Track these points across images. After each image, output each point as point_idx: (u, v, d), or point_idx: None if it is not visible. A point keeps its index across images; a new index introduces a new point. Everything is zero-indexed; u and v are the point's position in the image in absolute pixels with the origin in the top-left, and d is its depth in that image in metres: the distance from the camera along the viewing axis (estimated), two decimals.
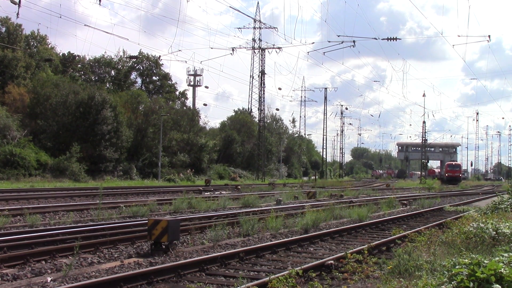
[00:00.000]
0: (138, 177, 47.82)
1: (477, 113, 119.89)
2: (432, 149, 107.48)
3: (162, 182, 45.78)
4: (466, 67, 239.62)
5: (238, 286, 7.48)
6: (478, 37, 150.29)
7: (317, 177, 59.89)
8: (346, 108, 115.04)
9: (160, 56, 74.91)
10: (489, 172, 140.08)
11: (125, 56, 68.46)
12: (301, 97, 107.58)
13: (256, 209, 19.86)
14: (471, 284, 5.14)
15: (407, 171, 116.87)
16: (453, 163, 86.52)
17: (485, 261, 5.53)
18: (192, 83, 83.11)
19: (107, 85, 65.33)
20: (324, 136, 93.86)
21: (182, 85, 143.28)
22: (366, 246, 10.53)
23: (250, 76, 70.48)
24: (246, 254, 10.33)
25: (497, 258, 5.98)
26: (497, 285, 5.08)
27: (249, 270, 9.36)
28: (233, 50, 57.01)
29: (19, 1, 25.05)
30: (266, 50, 64.27)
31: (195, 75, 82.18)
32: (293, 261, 10.30)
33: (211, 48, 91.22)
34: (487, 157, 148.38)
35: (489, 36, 36.96)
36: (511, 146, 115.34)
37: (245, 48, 64.27)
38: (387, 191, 42.82)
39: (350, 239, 13.81)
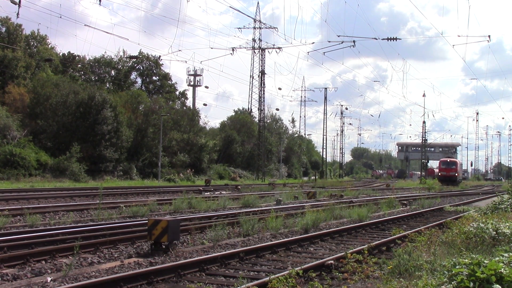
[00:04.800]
0: (138, 177, 47.81)
1: (477, 113, 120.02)
2: (432, 149, 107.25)
3: (162, 182, 45.78)
4: (466, 67, 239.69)
5: (238, 286, 7.48)
6: (478, 37, 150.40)
7: (317, 177, 59.89)
8: (346, 108, 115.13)
9: (160, 56, 74.97)
10: (489, 172, 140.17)
11: (125, 56, 68.49)
12: (301, 97, 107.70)
13: (256, 209, 19.86)
14: (471, 284, 5.14)
15: (407, 171, 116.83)
16: (448, 160, 72.80)
17: (485, 261, 5.53)
18: (192, 83, 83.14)
19: (107, 85, 65.29)
20: (324, 136, 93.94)
21: (182, 85, 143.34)
22: (366, 246, 10.54)
23: (250, 76, 70.44)
24: (246, 254, 10.33)
25: (497, 258, 5.98)
26: (497, 285, 5.08)
27: (249, 270, 9.36)
28: (233, 50, 57.09)
29: (19, 1, 25.05)
30: (266, 50, 64.28)
31: (195, 75, 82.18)
32: (293, 261, 10.30)
33: (211, 48, 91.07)
34: (487, 157, 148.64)
35: (489, 36, 36.96)
36: (511, 146, 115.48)
37: (245, 48, 64.28)
38: (387, 191, 42.81)
39: (350, 239, 13.81)
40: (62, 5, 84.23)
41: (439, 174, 69.24)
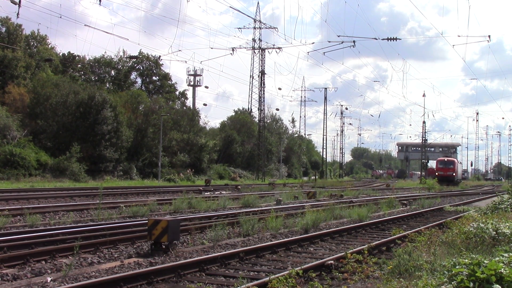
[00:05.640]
0: (138, 177, 47.82)
1: (477, 113, 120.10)
2: (432, 149, 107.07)
3: (162, 182, 45.78)
4: (466, 67, 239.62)
5: (238, 286, 7.48)
6: (478, 37, 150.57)
7: (317, 177, 59.87)
8: (346, 108, 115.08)
9: (160, 56, 74.99)
10: (489, 172, 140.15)
11: (125, 56, 68.46)
12: (301, 97, 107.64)
13: (256, 209, 19.85)
14: (471, 284, 5.14)
15: (407, 171, 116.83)
16: (445, 159, 69.40)
17: (485, 261, 5.53)
18: (192, 83, 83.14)
19: (107, 85, 65.29)
20: (324, 136, 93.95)
21: (182, 85, 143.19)
22: (366, 246, 10.53)
23: (250, 76, 70.48)
24: (246, 254, 10.33)
25: (497, 258, 5.98)
26: (497, 285, 5.08)
27: (249, 270, 9.36)
28: (233, 50, 57.08)
29: (19, 1, 25.05)
30: (266, 50, 64.25)
31: (195, 75, 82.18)
32: (293, 261, 10.30)
33: (211, 48, 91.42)
34: (487, 157, 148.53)
35: (489, 36, 36.96)
36: (511, 146, 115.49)
37: (245, 48, 64.24)
38: (387, 191, 42.82)
39: (350, 239, 13.81)
40: (62, 5, 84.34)
41: (436, 174, 65.62)
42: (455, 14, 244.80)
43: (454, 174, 65.64)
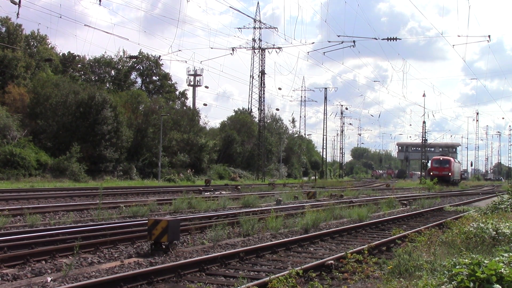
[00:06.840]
0: (138, 177, 47.81)
1: (477, 113, 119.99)
2: (432, 149, 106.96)
3: (162, 182, 45.78)
4: (466, 67, 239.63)
5: (238, 286, 7.48)
6: (478, 37, 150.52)
7: (317, 177, 59.88)
8: (346, 108, 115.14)
9: (160, 56, 74.89)
10: (489, 172, 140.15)
11: (125, 56, 68.45)
12: (301, 97, 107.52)
13: (256, 209, 19.86)
14: (471, 284, 5.15)
15: (407, 171, 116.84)
16: (440, 158, 65.67)
17: (485, 261, 5.53)
18: (192, 83, 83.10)
19: (107, 85, 65.28)
20: (324, 136, 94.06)
21: (182, 85, 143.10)
22: (366, 246, 10.53)
23: (250, 76, 70.48)
24: (246, 254, 10.33)
25: (497, 258, 5.98)
26: (498, 285, 5.08)
27: (249, 270, 9.36)
28: (233, 50, 57.07)
29: (19, 1, 25.05)
30: (266, 50, 64.24)
31: (195, 75, 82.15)
32: (293, 261, 10.30)
33: (211, 48, 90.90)
34: (487, 157, 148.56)
35: (489, 36, 36.93)
36: (511, 146, 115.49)
37: (245, 48, 64.22)
38: (387, 191, 42.81)
39: (350, 239, 13.81)
40: (62, 5, 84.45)
41: (431, 173, 62.38)
42: (455, 14, 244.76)
43: (450, 173, 62.34)
